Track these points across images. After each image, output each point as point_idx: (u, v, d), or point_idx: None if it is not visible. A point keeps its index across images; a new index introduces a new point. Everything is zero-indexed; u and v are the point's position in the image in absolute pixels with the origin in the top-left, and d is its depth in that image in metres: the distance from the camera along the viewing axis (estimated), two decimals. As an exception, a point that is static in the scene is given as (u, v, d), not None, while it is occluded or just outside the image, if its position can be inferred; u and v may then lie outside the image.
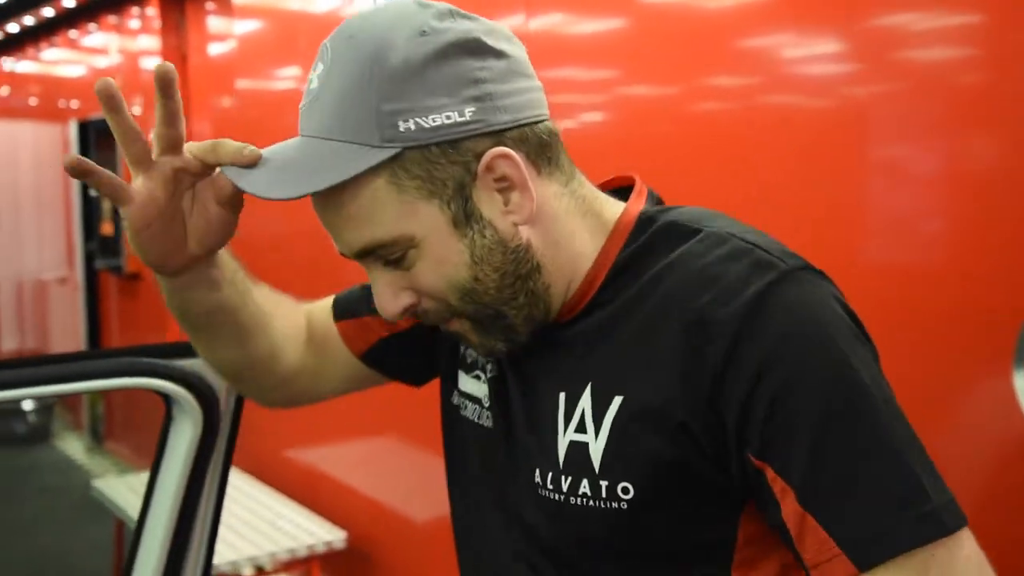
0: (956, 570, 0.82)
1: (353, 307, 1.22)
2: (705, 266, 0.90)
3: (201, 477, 1.46)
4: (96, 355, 1.38)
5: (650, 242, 0.95)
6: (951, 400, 1.88)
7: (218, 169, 0.95)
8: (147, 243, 0.96)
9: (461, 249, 0.92)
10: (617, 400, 0.92)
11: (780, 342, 0.85)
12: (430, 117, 0.87)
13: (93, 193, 5.96)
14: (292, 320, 1.22)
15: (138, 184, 0.93)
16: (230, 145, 0.92)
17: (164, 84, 0.91)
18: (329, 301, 1.25)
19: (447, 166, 0.89)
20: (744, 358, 0.85)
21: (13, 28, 7.24)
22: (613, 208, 1.00)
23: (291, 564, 3.55)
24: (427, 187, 0.89)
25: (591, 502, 0.93)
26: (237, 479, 4.24)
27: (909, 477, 0.83)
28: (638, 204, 0.99)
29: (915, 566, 0.81)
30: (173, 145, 0.93)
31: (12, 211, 8.10)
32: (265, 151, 0.92)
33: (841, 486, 0.83)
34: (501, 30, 0.94)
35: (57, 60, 7.08)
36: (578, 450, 0.94)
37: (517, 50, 0.94)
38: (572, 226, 0.97)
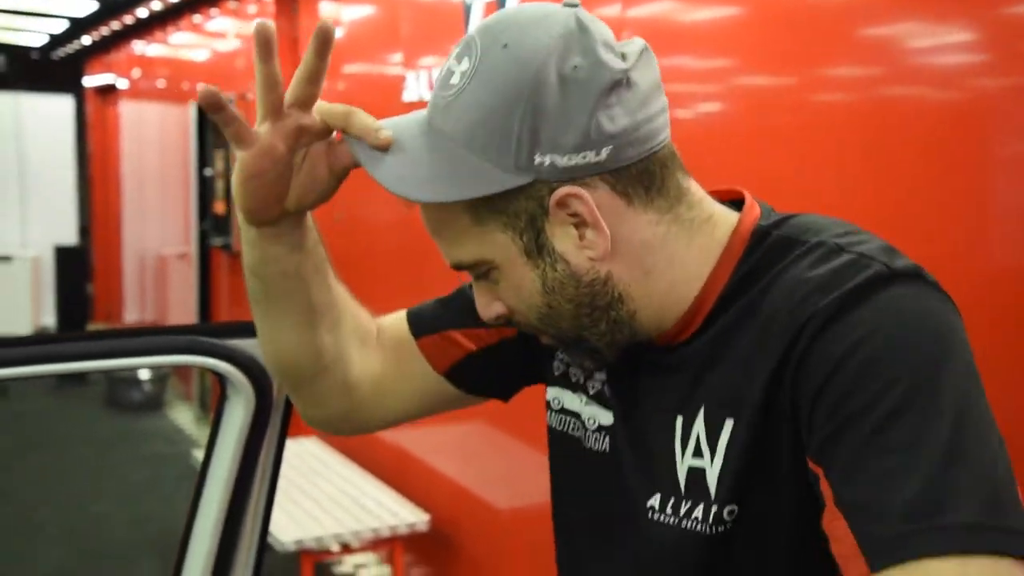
0: None
1: (435, 322, 1.17)
2: (805, 275, 0.86)
3: (254, 456, 1.46)
4: (153, 332, 1.38)
5: (763, 260, 0.92)
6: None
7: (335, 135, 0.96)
8: (252, 190, 0.96)
9: (533, 278, 0.93)
10: (729, 423, 0.90)
11: (861, 341, 0.80)
12: (566, 156, 0.86)
13: (208, 173, 6.14)
14: (363, 323, 1.16)
15: (262, 131, 0.93)
16: (363, 119, 0.91)
17: (322, 43, 0.91)
18: (402, 315, 1.20)
19: (522, 200, 0.89)
20: (822, 353, 0.82)
21: (143, 13, 7.52)
22: (725, 226, 0.96)
23: (375, 543, 3.61)
24: (502, 218, 0.90)
25: (699, 525, 0.92)
26: (326, 455, 4.35)
27: (963, 480, 0.74)
28: (750, 219, 0.96)
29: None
30: (306, 102, 0.94)
31: (138, 189, 8.42)
32: (390, 130, 0.92)
33: (875, 486, 0.76)
34: (642, 55, 0.90)
35: (182, 44, 7.31)
36: (697, 476, 0.93)
37: (650, 74, 0.91)
38: (671, 251, 0.94)
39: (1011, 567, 0.72)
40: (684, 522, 0.93)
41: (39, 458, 5.60)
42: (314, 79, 0.93)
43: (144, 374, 6.74)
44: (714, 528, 0.91)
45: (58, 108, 9.43)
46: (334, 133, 0.96)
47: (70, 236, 9.30)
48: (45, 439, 6.02)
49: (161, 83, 7.89)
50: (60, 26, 8.21)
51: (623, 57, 0.89)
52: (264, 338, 1.14)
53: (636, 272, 0.93)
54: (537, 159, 0.86)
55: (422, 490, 3.81)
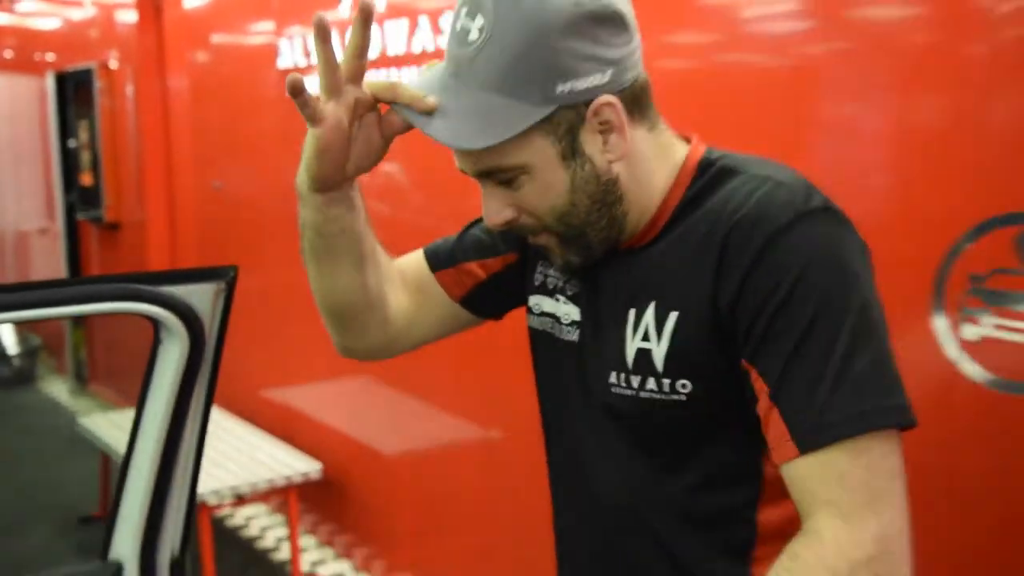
0: (886, 462, 0.96)
1: (449, 257, 1.31)
2: (745, 198, 1.03)
3: (187, 398, 1.49)
4: (88, 281, 1.39)
5: (708, 183, 1.08)
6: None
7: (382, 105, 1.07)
8: (325, 161, 1.07)
9: (564, 178, 1.04)
10: (674, 315, 1.06)
11: (789, 270, 0.98)
12: (580, 80, 1.00)
13: (72, 144, 5.92)
14: (391, 266, 1.30)
15: (328, 109, 1.03)
16: (408, 89, 1.02)
17: (364, 19, 1.01)
18: (418, 254, 1.33)
19: (564, 111, 1.01)
20: (762, 283, 0.99)
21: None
22: (681, 152, 1.12)
23: (269, 494, 3.62)
24: (544, 126, 1.01)
25: (656, 394, 1.07)
26: (217, 416, 4.26)
27: (864, 381, 0.96)
28: (699, 149, 1.12)
29: (851, 452, 0.95)
30: (357, 76, 1.04)
31: None
32: (427, 94, 1.02)
33: (803, 386, 0.97)
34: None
35: (32, 12, 6.95)
36: (644, 355, 1.08)
37: (630, 11, 1.05)
38: (651, 165, 1.09)
39: (892, 436, 0.97)
40: (641, 392, 1.09)
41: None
42: (360, 54, 1.03)
43: (12, 348, 6.48)
44: (669, 397, 1.07)
45: None
46: (380, 105, 1.07)
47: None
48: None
49: (9, 54, 7.48)
50: None
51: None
52: (319, 285, 1.24)
53: (632, 177, 1.08)
54: (559, 88, 0.99)
55: (314, 442, 3.83)
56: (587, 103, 1.02)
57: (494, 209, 1.09)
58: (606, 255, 1.13)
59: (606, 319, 1.14)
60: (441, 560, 3.31)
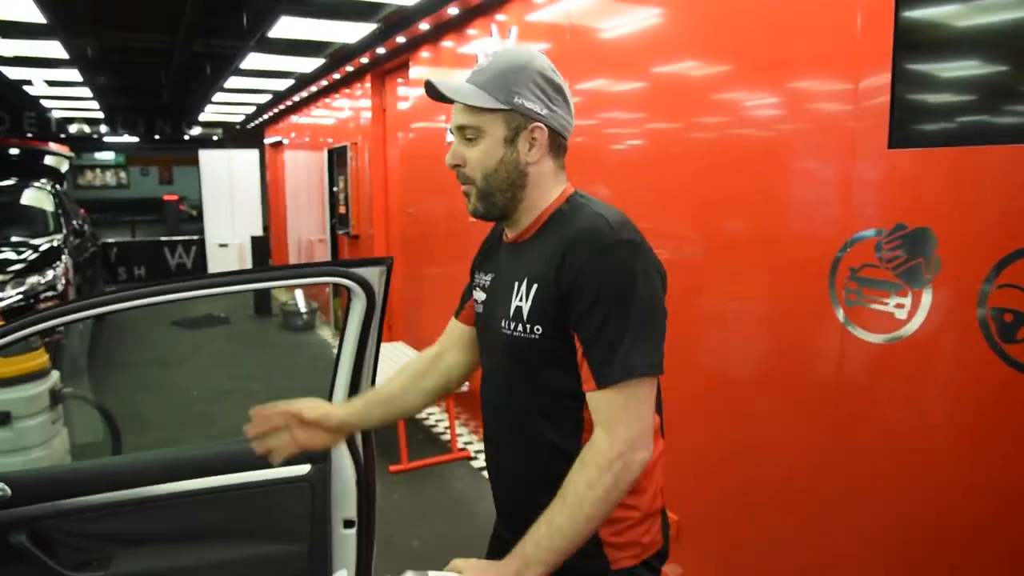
0: (641, 397, 0.97)
1: (461, 304, 1.28)
2: (580, 227, 1.03)
3: (367, 331, 1.54)
4: (315, 265, 1.46)
5: (566, 209, 1.09)
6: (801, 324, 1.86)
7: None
8: (315, 440, 1.25)
9: (500, 151, 1.06)
10: (535, 286, 1.05)
11: (598, 275, 0.98)
12: (528, 103, 1.05)
13: (334, 189, 6.10)
14: (431, 367, 1.30)
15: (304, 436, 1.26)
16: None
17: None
18: (451, 322, 1.30)
19: (519, 117, 1.05)
20: (583, 280, 0.99)
21: (296, 98, 7.49)
22: (564, 186, 1.13)
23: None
24: (507, 119, 1.05)
25: (523, 334, 1.06)
26: (410, 351, 4.31)
27: (635, 346, 0.97)
28: (570, 189, 1.12)
29: (622, 390, 0.97)
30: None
31: (294, 201, 8.41)
32: (450, 79, 1.08)
33: (601, 347, 0.98)
34: (563, 83, 1.09)
35: (318, 115, 7.29)
36: (518, 311, 1.08)
37: (569, 96, 1.09)
38: (547, 182, 1.10)
39: (649, 381, 0.98)
40: (515, 332, 1.08)
41: (248, 355, 5.65)
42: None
43: (303, 307, 6.77)
44: (529, 336, 1.06)
45: (250, 156, 9.39)
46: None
47: (258, 230, 9.30)
48: (252, 345, 6.04)
49: (307, 139, 7.88)
50: (264, 98, 8.06)
51: (563, 84, 1.08)
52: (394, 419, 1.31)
53: (533, 181, 1.10)
54: (516, 99, 1.04)
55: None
56: (531, 121, 1.05)
57: (455, 153, 1.09)
58: (502, 246, 1.14)
59: (502, 287, 1.13)
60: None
